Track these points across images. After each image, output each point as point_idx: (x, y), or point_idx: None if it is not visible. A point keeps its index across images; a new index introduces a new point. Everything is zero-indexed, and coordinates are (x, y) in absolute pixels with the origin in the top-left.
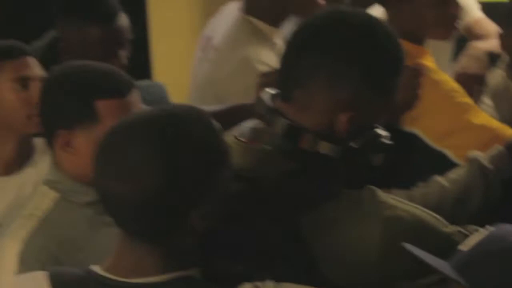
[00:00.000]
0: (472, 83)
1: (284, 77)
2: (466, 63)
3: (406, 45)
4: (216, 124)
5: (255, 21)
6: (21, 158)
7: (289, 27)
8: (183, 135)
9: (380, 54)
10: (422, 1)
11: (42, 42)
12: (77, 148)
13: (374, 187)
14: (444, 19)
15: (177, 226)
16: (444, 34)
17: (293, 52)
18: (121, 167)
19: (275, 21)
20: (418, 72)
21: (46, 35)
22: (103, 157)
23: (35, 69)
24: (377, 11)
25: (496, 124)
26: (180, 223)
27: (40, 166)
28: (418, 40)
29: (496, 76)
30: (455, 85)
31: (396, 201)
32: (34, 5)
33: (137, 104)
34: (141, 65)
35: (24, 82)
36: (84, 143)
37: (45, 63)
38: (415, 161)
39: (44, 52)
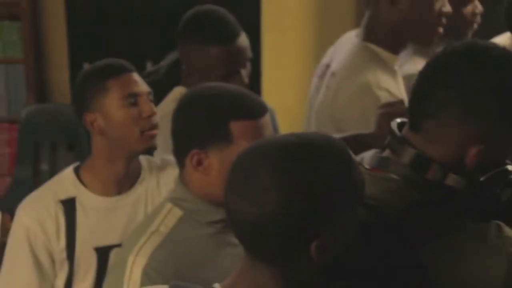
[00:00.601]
0: None
1: (414, 107)
2: None
3: None
4: (352, 155)
5: (374, 47)
6: (131, 177)
7: (407, 54)
8: (315, 163)
9: None
10: None
11: (165, 62)
12: (208, 167)
13: (500, 222)
14: None
15: (297, 254)
16: None
17: (426, 83)
18: (250, 188)
19: (394, 48)
20: None
21: (169, 55)
22: (235, 177)
23: (141, 85)
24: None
25: None
26: (300, 251)
27: (148, 184)
28: None
29: None
30: None
31: None
32: (155, 26)
33: (269, 127)
34: (252, 89)
35: (132, 99)
36: (216, 163)
37: (168, 83)
38: None
39: (167, 72)
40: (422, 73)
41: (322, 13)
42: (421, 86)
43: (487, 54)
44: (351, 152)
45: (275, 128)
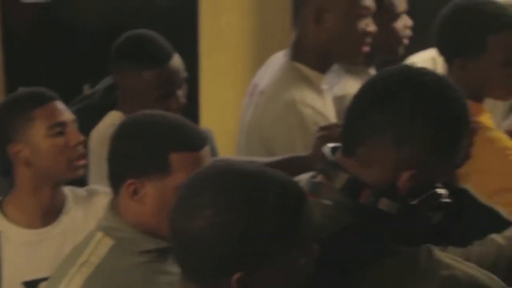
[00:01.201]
0: None
1: (348, 131)
2: None
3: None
4: (306, 201)
5: (301, 66)
6: (56, 208)
7: (338, 75)
8: (261, 197)
9: (448, 115)
10: (489, 61)
11: (100, 86)
12: (144, 197)
13: (430, 245)
14: (508, 80)
15: (221, 279)
16: (506, 95)
17: (361, 107)
18: (190, 203)
19: (321, 67)
20: (472, 130)
21: (105, 79)
22: (182, 193)
23: (66, 113)
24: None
25: None
26: (224, 278)
27: (75, 215)
28: (477, 97)
29: None
30: (509, 143)
31: (452, 260)
32: (89, 51)
33: (209, 158)
34: (189, 111)
35: (59, 128)
36: (152, 193)
37: (103, 107)
38: (468, 218)
39: (102, 96)
40: (357, 97)
41: (260, 34)
42: (355, 110)
43: (422, 79)
44: (305, 198)
45: (213, 149)
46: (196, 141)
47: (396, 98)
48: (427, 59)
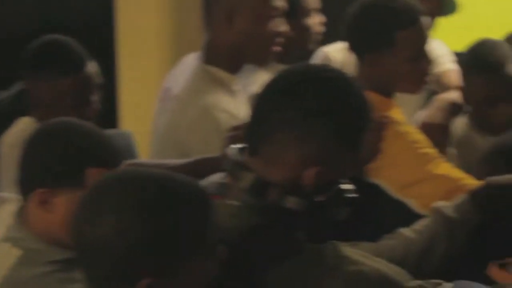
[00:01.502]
0: (437, 133)
1: (252, 131)
2: (431, 113)
3: (375, 97)
4: (201, 193)
5: (213, 69)
6: None
7: (246, 74)
8: (165, 202)
9: (350, 111)
10: (396, 56)
11: (9, 93)
12: (54, 207)
13: (337, 242)
14: (416, 74)
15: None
16: (414, 89)
17: (263, 106)
18: (93, 209)
19: (233, 69)
20: (382, 125)
21: (16, 84)
22: (86, 199)
23: None
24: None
25: (458, 174)
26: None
27: None
28: (387, 92)
29: (460, 126)
30: (418, 137)
31: (359, 255)
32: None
33: None
34: (108, 113)
35: None
36: (62, 203)
37: (13, 114)
38: (379, 212)
39: (12, 103)
40: (259, 96)
41: (179, 35)
42: (258, 109)
43: (323, 76)
44: (209, 201)
45: (133, 152)
46: (113, 157)
47: (298, 95)
48: (340, 49)
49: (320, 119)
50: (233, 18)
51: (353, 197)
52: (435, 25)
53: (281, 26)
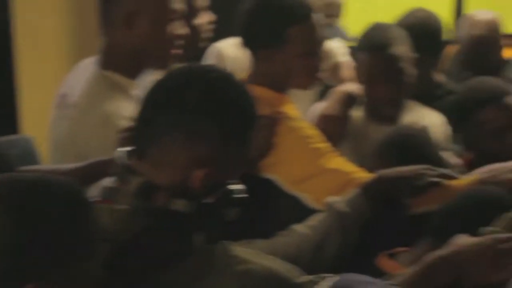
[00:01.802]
0: (334, 125)
1: (139, 134)
2: (328, 105)
3: (269, 93)
4: (79, 197)
5: (112, 74)
6: None
7: (145, 78)
8: (35, 204)
9: (235, 111)
10: (289, 52)
11: None
12: None
13: (227, 242)
14: (308, 70)
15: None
16: (306, 84)
17: (148, 109)
18: None
19: (132, 73)
20: (275, 120)
21: None
22: None
23: None
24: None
25: (350, 168)
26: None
27: None
28: (280, 88)
29: (356, 118)
30: (311, 132)
31: (249, 254)
32: None
33: None
34: (8, 118)
35: None
36: None
37: None
38: (273, 209)
39: None
40: (144, 99)
41: (78, 38)
42: (143, 112)
43: (207, 76)
44: (88, 205)
45: (33, 158)
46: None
47: (182, 97)
48: (232, 44)
49: (205, 120)
50: (132, 21)
51: (242, 197)
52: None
53: (181, 28)
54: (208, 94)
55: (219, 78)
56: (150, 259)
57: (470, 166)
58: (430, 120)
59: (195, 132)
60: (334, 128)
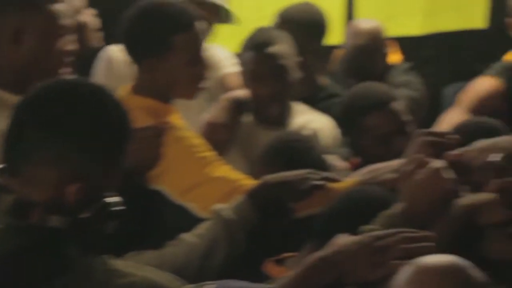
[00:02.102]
0: (220, 133)
1: (9, 151)
2: (215, 113)
3: (153, 103)
4: None
5: None
6: None
7: None
8: None
9: (105, 125)
10: (174, 61)
11: None
12: None
13: (106, 256)
14: (192, 79)
15: None
16: (190, 94)
17: (18, 125)
18: None
19: (20, 90)
20: (160, 131)
21: None
22: None
23: None
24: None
25: (236, 175)
26: None
27: None
28: (165, 98)
29: (245, 123)
30: (197, 141)
31: (130, 267)
32: None
33: None
34: None
35: None
36: None
37: None
38: (161, 219)
39: None
40: (14, 114)
41: None
42: (13, 128)
43: (77, 91)
44: None
45: None
46: None
47: (49, 113)
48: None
49: (72, 136)
50: (20, 37)
51: (120, 210)
52: (212, 31)
53: (70, 44)
54: (78, 109)
55: (90, 92)
56: (29, 277)
57: (358, 170)
58: (320, 124)
59: (66, 148)
60: (220, 136)
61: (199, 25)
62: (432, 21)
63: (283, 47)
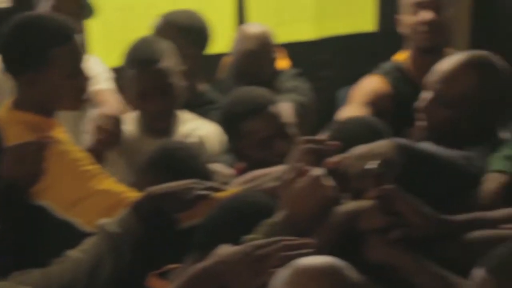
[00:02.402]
0: (103, 148)
1: None
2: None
3: (35, 118)
4: None
5: None
6: None
7: None
8: None
9: None
10: (54, 74)
11: None
12: None
13: None
14: (74, 91)
15: None
16: (74, 106)
17: None
18: None
19: None
20: (42, 145)
21: None
22: None
23: None
24: None
25: (120, 188)
26: None
27: None
28: (47, 112)
29: (130, 133)
30: (80, 154)
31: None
32: None
33: None
34: None
35: None
36: None
37: None
38: (46, 236)
39: None
40: None
41: None
42: None
43: None
44: None
45: None
46: None
47: None
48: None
49: None
50: None
51: None
52: (83, 28)
53: None
54: None
55: None
56: None
57: (243, 175)
58: (205, 131)
59: None
60: (104, 150)
61: (78, 37)
62: (323, 25)
63: (169, 61)
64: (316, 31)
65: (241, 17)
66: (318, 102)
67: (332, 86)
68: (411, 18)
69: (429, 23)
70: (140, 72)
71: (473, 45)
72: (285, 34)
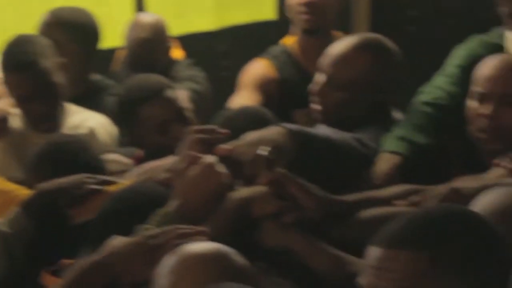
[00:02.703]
0: None
1: None
2: None
3: None
4: None
5: None
6: None
7: None
8: None
9: None
10: None
11: None
12: None
13: None
14: None
15: None
16: None
17: None
18: None
19: None
20: None
21: None
22: None
23: None
24: None
25: (9, 186)
26: None
27: None
28: None
29: (16, 129)
30: None
31: None
32: None
33: None
34: None
35: None
36: None
37: None
38: None
39: None
40: None
41: None
42: None
43: None
44: None
45: None
46: None
47: None
48: None
49: None
50: None
51: None
52: None
53: None
54: None
55: None
56: None
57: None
58: (95, 122)
59: None
60: None
61: None
62: (223, 16)
63: (49, 60)
64: (216, 22)
65: (140, 10)
66: (218, 92)
67: (232, 76)
68: (293, 1)
69: (306, 4)
70: (20, 76)
71: (373, 29)
72: (184, 25)
